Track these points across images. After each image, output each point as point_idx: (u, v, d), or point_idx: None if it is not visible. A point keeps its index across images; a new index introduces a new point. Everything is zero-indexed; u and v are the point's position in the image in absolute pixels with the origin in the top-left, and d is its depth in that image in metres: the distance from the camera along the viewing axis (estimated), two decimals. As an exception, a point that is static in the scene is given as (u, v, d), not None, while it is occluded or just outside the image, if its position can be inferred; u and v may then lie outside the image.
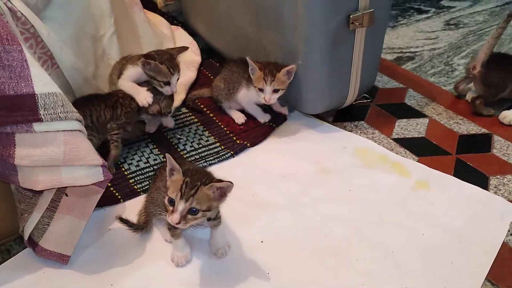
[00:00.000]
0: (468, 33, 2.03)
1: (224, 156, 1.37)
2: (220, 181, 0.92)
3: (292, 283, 1.04)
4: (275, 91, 1.37)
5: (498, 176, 1.30)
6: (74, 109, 0.97)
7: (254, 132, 1.46)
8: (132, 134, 1.41)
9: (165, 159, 0.96)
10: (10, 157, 0.92)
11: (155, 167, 1.33)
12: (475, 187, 1.27)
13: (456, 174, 1.31)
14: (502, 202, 1.22)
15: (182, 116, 1.53)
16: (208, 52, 1.83)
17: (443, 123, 1.51)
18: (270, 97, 1.38)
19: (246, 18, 1.51)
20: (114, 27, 1.46)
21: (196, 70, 1.72)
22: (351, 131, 1.48)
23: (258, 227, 1.16)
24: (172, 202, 0.91)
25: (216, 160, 1.36)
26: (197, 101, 1.59)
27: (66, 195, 1.03)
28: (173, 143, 1.42)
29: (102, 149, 1.35)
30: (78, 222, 1.04)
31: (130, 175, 1.30)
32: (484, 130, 1.47)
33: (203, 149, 1.41)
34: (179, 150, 1.40)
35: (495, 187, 1.27)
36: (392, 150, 1.41)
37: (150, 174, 1.30)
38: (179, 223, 0.90)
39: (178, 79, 1.33)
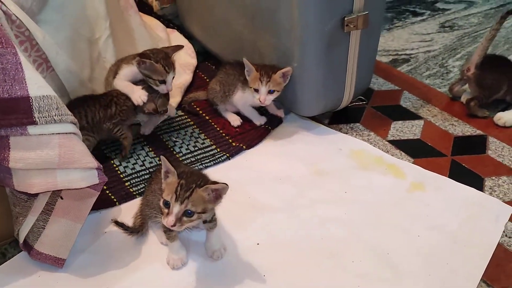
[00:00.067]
0: (463, 35, 2.04)
1: (220, 159, 1.37)
2: (215, 183, 0.92)
3: (288, 286, 1.03)
4: (271, 92, 1.37)
5: (493, 178, 1.31)
6: (69, 112, 0.97)
7: (250, 135, 1.46)
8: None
9: (160, 162, 0.96)
10: (5, 160, 0.92)
11: (150, 169, 1.33)
12: (470, 189, 1.27)
13: (452, 176, 1.31)
14: (497, 203, 1.23)
15: (177, 118, 1.53)
16: (204, 55, 1.83)
17: (438, 125, 1.51)
18: (265, 98, 1.38)
19: (241, 21, 1.51)
20: (109, 30, 1.46)
21: (192, 72, 1.72)
22: (346, 133, 1.48)
23: (254, 230, 1.16)
24: (167, 204, 0.91)
25: (212, 162, 1.36)
26: (193, 103, 1.59)
27: (61, 198, 1.02)
28: (169, 146, 1.42)
29: (98, 152, 1.36)
30: (73, 225, 1.04)
31: (126, 178, 1.30)
32: (479, 132, 1.48)
33: (199, 151, 1.41)
34: (175, 152, 1.40)
35: (490, 189, 1.27)
36: (388, 152, 1.41)
37: (145, 177, 1.30)
38: (174, 225, 0.90)
39: (173, 77, 1.34)
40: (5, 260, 1.09)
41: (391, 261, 1.08)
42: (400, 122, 1.53)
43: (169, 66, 1.31)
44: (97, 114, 1.30)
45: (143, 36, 1.65)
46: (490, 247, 1.11)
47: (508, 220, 1.18)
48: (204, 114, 1.55)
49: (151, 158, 1.37)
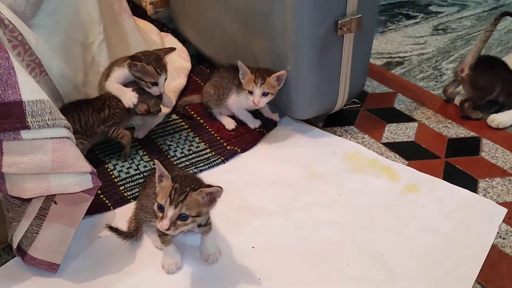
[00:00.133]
0: (456, 38, 2.05)
1: (214, 162, 1.37)
2: (209, 186, 0.92)
3: (283, 289, 1.03)
4: (265, 94, 1.38)
5: (487, 179, 1.31)
6: (62, 116, 0.97)
7: (245, 138, 1.46)
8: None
9: (155, 166, 0.95)
10: (-2, 165, 0.91)
11: (145, 173, 1.32)
12: (464, 190, 1.28)
13: (446, 178, 1.32)
14: (491, 205, 1.23)
15: (172, 122, 1.53)
16: (198, 58, 1.83)
17: (432, 127, 1.52)
18: (260, 100, 1.38)
19: (235, 24, 1.51)
20: (103, 34, 1.46)
21: (186, 76, 1.72)
22: (341, 136, 1.49)
23: (249, 233, 1.16)
24: (161, 208, 0.90)
25: (206, 166, 1.36)
26: (187, 107, 1.59)
27: (55, 203, 1.02)
28: (163, 150, 1.42)
29: (92, 156, 1.36)
30: (67, 230, 1.04)
31: (120, 182, 1.30)
32: (472, 134, 1.49)
33: (194, 155, 1.40)
34: (169, 156, 1.40)
35: (484, 190, 1.28)
36: (382, 154, 1.41)
37: (140, 181, 1.30)
38: (168, 229, 0.90)
39: (165, 79, 1.33)
40: (-2, 266, 1.08)
41: (385, 263, 1.09)
42: (394, 124, 1.54)
43: (161, 68, 1.31)
44: (90, 118, 1.30)
45: (137, 40, 1.65)
46: (484, 249, 1.12)
47: (502, 222, 1.18)
48: (198, 118, 1.55)
49: (145, 162, 1.37)
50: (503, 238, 1.14)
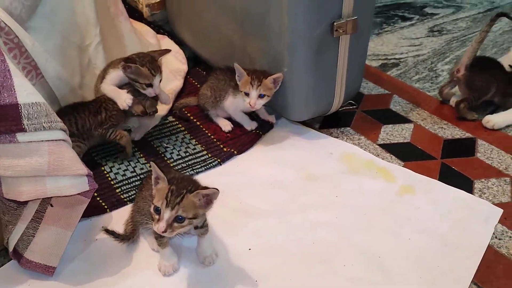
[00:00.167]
0: (452, 40, 2.06)
1: (211, 164, 1.37)
2: (206, 188, 0.92)
3: (280, 290, 1.04)
4: (261, 96, 1.38)
5: (483, 180, 1.32)
6: (58, 119, 0.97)
7: (241, 140, 1.46)
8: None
9: (151, 168, 0.95)
10: (-6, 168, 0.91)
11: (141, 176, 1.32)
12: (460, 191, 1.28)
13: (441, 179, 1.32)
14: (486, 206, 1.24)
15: (168, 124, 1.53)
16: (194, 60, 1.83)
17: (428, 128, 1.52)
18: (256, 102, 1.38)
19: (231, 26, 1.52)
20: (100, 37, 1.46)
21: (183, 78, 1.72)
22: (337, 138, 1.49)
23: (246, 235, 1.16)
24: (158, 210, 0.90)
25: (203, 168, 1.36)
26: (184, 109, 1.59)
27: (51, 206, 1.02)
28: (160, 152, 1.42)
29: (89, 158, 1.36)
30: (63, 233, 1.04)
31: (117, 185, 1.30)
32: (468, 135, 1.49)
33: (190, 157, 1.40)
34: (166, 158, 1.40)
35: (479, 191, 1.28)
36: (378, 155, 1.42)
37: (136, 183, 1.30)
38: (165, 231, 0.90)
39: (160, 80, 1.33)
40: (-6, 269, 1.08)
41: (382, 264, 1.09)
42: (390, 126, 1.54)
43: (155, 69, 1.31)
44: (87, 121, 1.30)
45: (133, 42, 1.65)
46: (480, 249, 1.12)
47: (498, 222, 1.19)
48: (195, 120, 1.55)
49: (142, 164, 1.37)
50: (499, 239, 1.15)
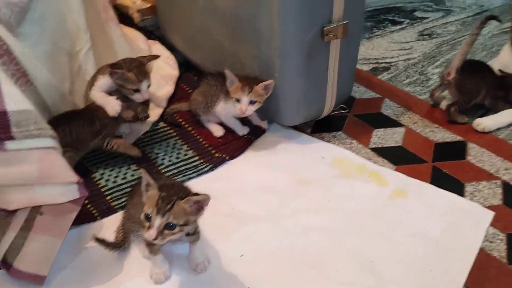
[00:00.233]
0: (442, 43, 2.07)
1: (203, 170, 1.37)
2: (196, 194, 0.92)
3: (272, 296, 1.03)
4: (252, 103, 1.38)
5: (473, 183, 1.32)
6: (48, 126, 0.96)
7: (233, 145, 1.46)
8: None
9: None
10: (-18, 177, 0.91)
11: (132, 182, 1.31)
12: (452, 194, 1.28)
13: (433, 182, 1.33)
14: (478, 208, 1.24)
15: (160, 130, 1.53)
16: (186, 65, 1.83)
17: (419, 132, 1.53)
18: (247, 108, 1.38)
19: (222, 31, 1.52)
20: (90, 43, 1.45)
21: (174, 84, 1.72)
22: (329, 142, 1.49)
23: (238, 241, 1.16)
24: (148, 218, 0.90)
25: (195, 174, 1.35)
26: (175, 115, 1.59)
27: (41, 214, 1.01)
28: (151, 158, 1.41)
29: (79, 165, 1.34)
30: (53, 241, 1.02)
31: (107, 192, 1.29)
32: (459, 138, 1.50)
33: (182, 163, 1.40)
34: (157, 165, 1.39)
35: (470, 194, 1.29)
36: (370, 159, 1.42)
37: (127, 190, 1.28)
38: (156, 238, 0.89)
39: (148, 85, 1.32)
40: (-17, 279, 1.06)
41: (374, 269, 1.09)
42: (381, 129, 1.54)
43: (143, 74, 1.30)
44: (82, 130, 1.29)
45: (124, 48, 1.64)
46: (472, 252, 1.12)
47: (489, 225, 1.19)
48: (186, 125, 1.55)
49: (133, 170, 1.36)
50: (490, 242, 1.15)
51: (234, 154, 1.43)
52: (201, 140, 1.49)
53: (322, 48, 1.34)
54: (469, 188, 1.31)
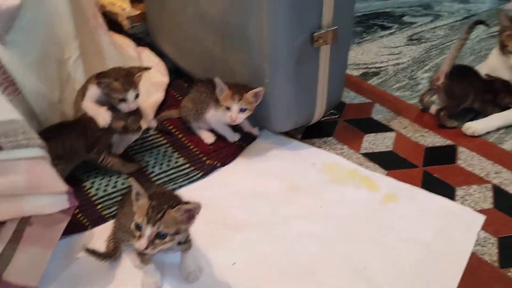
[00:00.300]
0: (431, 48, 2.08)
1: (194, 177, 1.36)
2: (187, 203, 0.91)
3: (265, 304, 1.03)
4: (242, 110, 1.37)
5: (464, 187, 1.33)
6: (37, 136, 0.95)
7: (224, 152, 1.46)
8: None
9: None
10: (-31, 188, 0.89)
11: (123, 191, 1.30)
12: (443, 199, 1.29)
13: (424, 186, 1.33)
14: (469, 212, 1.24)
15: (150, 138, 1.52)
16: (176, 72, 1.82)
17: (409, 137, 1.54)
18: (237, 116, 1.38)
19: (211, 38, 1.51)
20: (79, 50, 1.44)
21: (164, 91, 1.71)
22: (320, 148, 1.49)
23: (230, 249, 1.15)
24: (139, 227, 0.89)
25: (186, 181, 1.35)
26: (165, 122, 1.58)
27: (30, 225, 0.99)
28: (142, 166, 1.40)
29: (69, 174, 1.33)
30: (43, 252, 1.01)
31: (98, 201, 1.28)
32: (449, 142, 1.51)
33: (173, 170, 1.39)
34: (147, 173, 1.38)
35: (461, 198, 1.29)
36: (361, 164, 1.42)
37: (118, 199, 1.27)
38: (147, 248, 0.88)
39: (136, 95, 1.30)
40: (-28, 291, 1.05)
41: (366, 274, 1.09)
42: (372, 134, 1.55)
43: (129, 84, 1.28)
44: (75, 143, 1.27)
45: (113, 55, 1.63)
46: (464, 256, 1.13)
47: (481, 229, 1.20)
48: (177, 133, 1.54)
49: (123, 179, 1.35)
50: (482, 246, 1.16)
51: (225, 161, 1.42)
52: (192, 147, 1.48)
53: (312, 53, 1.35)
54: (460, 192, 1.31)
